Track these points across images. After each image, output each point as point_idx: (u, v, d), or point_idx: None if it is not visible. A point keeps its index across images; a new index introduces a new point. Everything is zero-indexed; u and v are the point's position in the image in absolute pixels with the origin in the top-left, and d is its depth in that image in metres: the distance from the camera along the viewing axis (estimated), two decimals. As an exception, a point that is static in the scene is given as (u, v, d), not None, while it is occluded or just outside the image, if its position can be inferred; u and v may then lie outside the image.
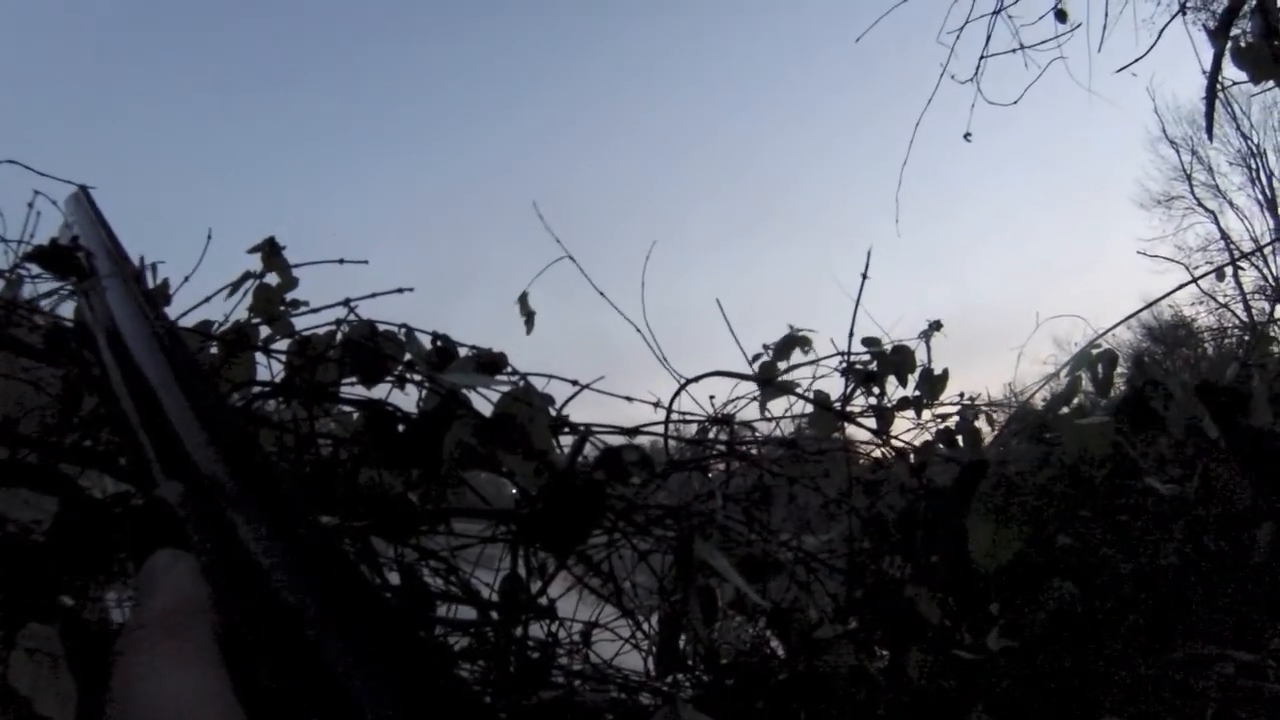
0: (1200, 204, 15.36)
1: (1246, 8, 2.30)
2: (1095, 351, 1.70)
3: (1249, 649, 1.32)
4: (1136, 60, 1.95)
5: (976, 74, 1.90)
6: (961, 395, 1.28)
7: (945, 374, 1.25)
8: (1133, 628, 1.21)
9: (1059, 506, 1.13)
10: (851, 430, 1.50)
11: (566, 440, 1.13)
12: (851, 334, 1.22)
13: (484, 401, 1.05)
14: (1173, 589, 1.26)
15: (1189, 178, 15.14)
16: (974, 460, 1.08)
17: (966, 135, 1.89)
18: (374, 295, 1.00)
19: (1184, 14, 1.74)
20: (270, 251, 1.21)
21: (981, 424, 1.47)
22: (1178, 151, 15.43)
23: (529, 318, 1.37)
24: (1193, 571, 1.20)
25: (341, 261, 1.06)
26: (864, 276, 1.12)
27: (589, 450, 1.07)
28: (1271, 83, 2.32)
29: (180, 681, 0.30)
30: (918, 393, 1.27)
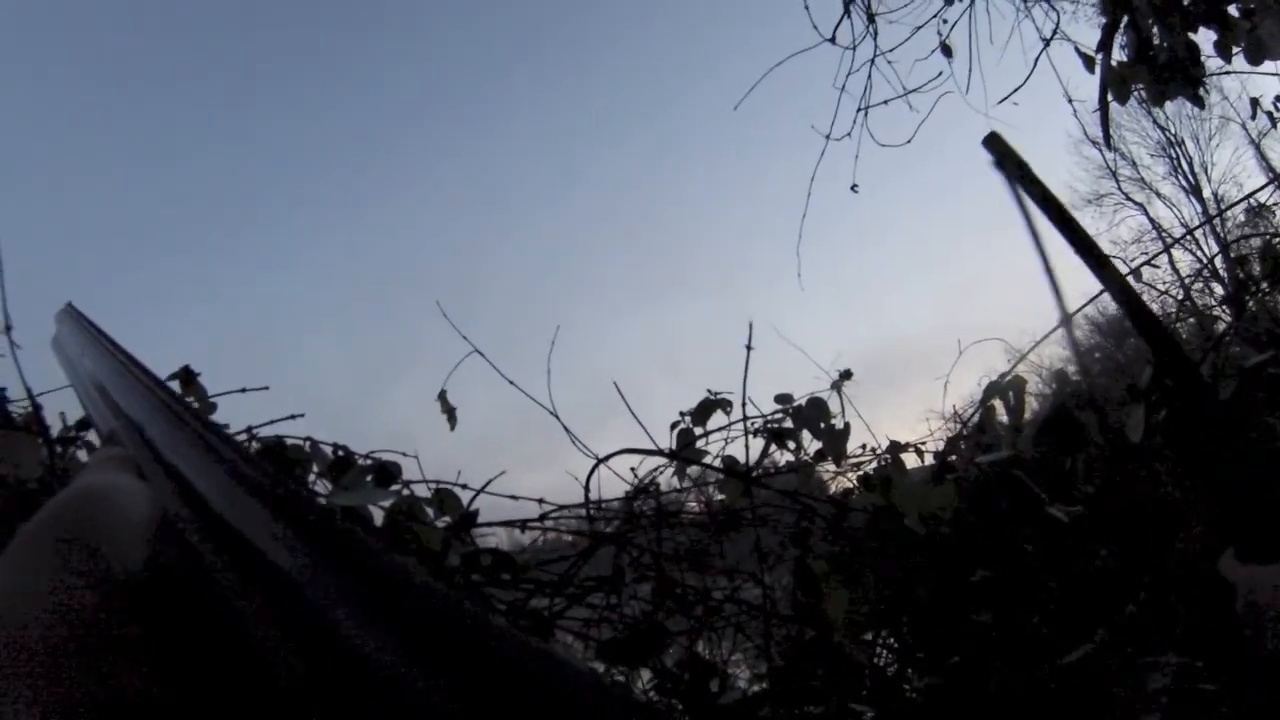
0: (1129, 198, 15.89)
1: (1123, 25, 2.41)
2: (1005, 380, 1.76)
3: (1180, 653, 1.36)
4: (1016, 90, 2.06)
5: (853, 126, 1.99)
6: (863, 447, 1.32)
7: (847, 427, 1.29)
8: (1055, 644, 1.24)
9: (970, 543, 1.17)
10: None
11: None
12: (745, 400, 1.26)
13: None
14: (1090, 603, 1.30)
15: (1114, 174, 15.67)
16: (879, 507, 1.12)
17: (853, 187, 1.96)
18: (272, 421, 1.02)
19: (1046, 48, 1.85)
20: (186, 379, 1.23)
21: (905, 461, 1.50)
22: (1101, 151, 15.99)
23: (450, 414, 1.39)
24: (1104, 585, 1.25)
25: (244, 390, 1.08)
26: (748, 348, 1.16)
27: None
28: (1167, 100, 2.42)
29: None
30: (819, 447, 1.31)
